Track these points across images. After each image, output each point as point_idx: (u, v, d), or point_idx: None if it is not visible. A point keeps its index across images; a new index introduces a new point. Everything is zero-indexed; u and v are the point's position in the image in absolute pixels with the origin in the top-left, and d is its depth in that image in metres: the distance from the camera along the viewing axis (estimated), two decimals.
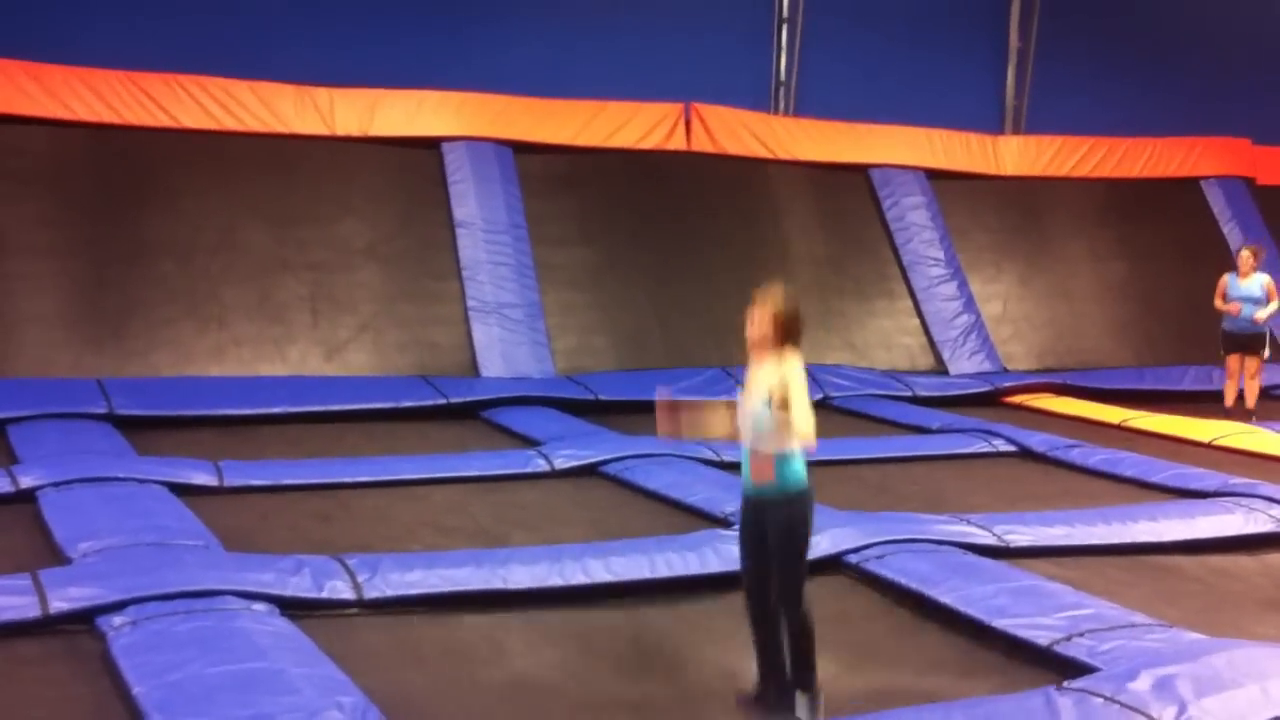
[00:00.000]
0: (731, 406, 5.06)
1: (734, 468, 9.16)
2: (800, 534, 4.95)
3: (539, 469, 8.92)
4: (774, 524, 4.94)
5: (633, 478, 8.71)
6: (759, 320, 4.98)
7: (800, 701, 4.95)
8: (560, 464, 9.04)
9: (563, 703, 5.15)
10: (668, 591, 6.45)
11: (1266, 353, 12.81)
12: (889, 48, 15.57)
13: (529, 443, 9.74)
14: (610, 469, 8.97)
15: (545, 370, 12.20)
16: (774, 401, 4.81)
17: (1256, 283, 12.67)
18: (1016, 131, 16.45)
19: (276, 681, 4.76)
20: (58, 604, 5.54)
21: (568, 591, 6.29)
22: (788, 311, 4.98)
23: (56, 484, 7.50)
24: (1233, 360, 12.82)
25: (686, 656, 5.65)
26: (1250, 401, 12.72)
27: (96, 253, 11.42)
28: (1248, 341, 12.68)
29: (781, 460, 4.89)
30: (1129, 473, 9.59)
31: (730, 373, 12.55)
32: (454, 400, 11.04)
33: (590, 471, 9.02)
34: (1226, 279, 12.85)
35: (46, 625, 5.46)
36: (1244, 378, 12.76)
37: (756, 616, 5.09)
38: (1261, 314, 12.50)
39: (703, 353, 12.86)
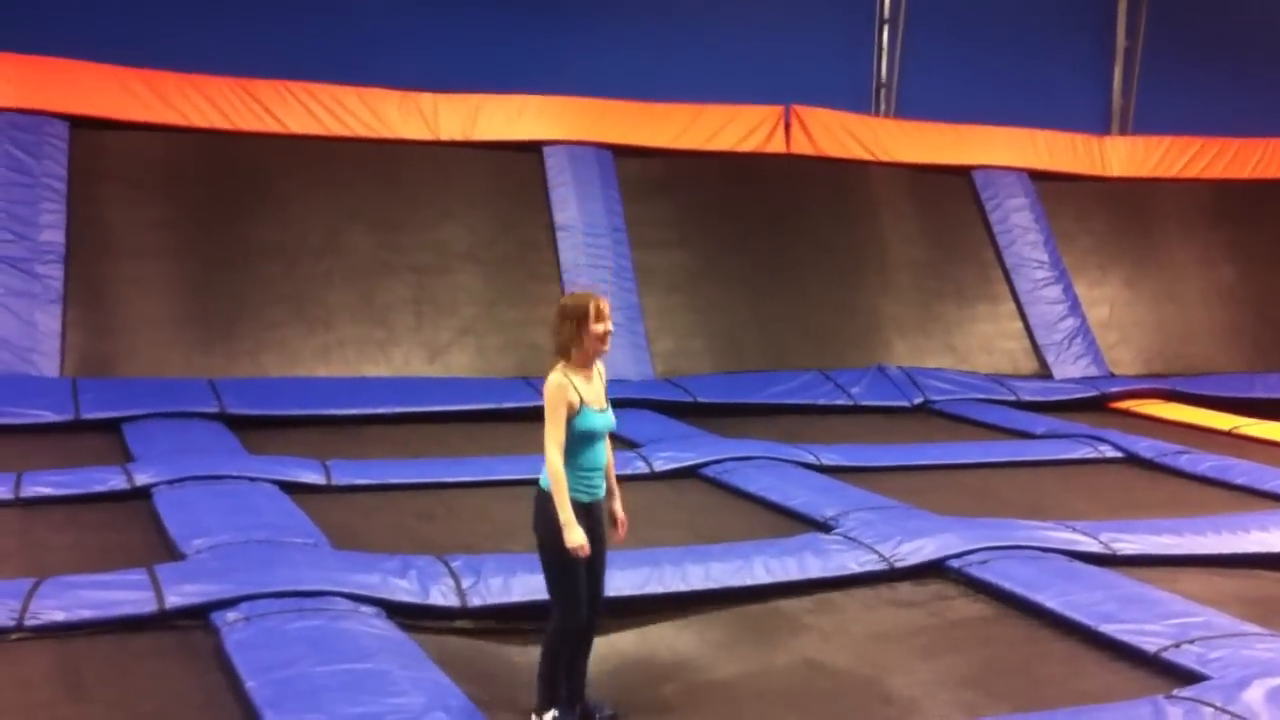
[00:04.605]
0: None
1: (835, 471, 9.14)
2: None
3: (638, 471, 8.94)
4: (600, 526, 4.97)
5: (732, 480, 8.72)
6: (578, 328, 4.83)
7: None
8: (659, 466, 9.06)
9: (660, 704, 5.18)
10: (768, 594, 6.46)
11: None
12: (992, 47, 15.39)
13: (628, 445, 9.76)
14: (709, 471, 8.99)
15: (644, 373, 12.24)
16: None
17: None
18: (1123, 132, 16.17)
19: (384, 683, 4.84)
20: (173, 599, 5.68)
21: (666, 598, 6.29)
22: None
23: (170, 481, 7.68)
24: None
25: (783, 658, 5.65)
26: None
27: (207, 256, 11.68)
28: None
29: None
30: (1239, 480, 9.39)
31: (829, 376, 12.48)
32: None
33: (689, 474, 9.04)
34: None
35: (162, 620, 5.60)
36: None
37: (582, 634, 4.93)
38: None
39: (800, 356, 12.83)
